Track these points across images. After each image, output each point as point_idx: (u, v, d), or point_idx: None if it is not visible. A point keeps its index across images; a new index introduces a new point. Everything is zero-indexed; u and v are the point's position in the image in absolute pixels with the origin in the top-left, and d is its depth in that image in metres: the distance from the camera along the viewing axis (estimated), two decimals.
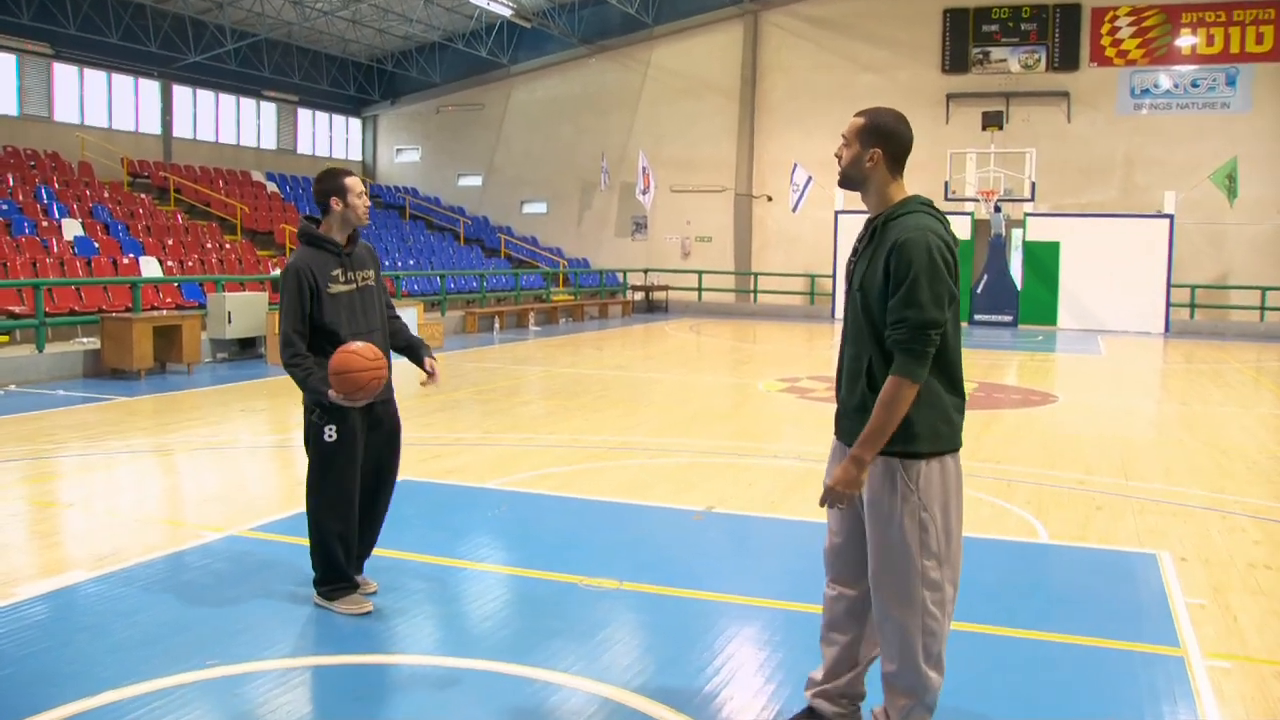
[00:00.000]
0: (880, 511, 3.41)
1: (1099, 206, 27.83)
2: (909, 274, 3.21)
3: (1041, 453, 9.35)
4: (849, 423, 3.46)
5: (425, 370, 5.09)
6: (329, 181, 4.85)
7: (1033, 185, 26.61)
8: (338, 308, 4.79)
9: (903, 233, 3.28)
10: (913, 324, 3.20)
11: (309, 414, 4.88)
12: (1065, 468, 8.69)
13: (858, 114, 3.47)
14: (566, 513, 7.07)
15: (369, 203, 4.89)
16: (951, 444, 3.41)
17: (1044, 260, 26.69)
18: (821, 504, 3.43)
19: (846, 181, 3.50)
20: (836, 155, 3.51)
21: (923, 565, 3.38)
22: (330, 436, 4.81)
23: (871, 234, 3.41)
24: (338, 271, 4.82)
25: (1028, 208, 27.14)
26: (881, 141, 3.40)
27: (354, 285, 4.86)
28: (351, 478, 4.90)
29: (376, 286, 5.01)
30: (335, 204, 4.83)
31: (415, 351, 5.13)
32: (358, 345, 4.70)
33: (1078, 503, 7.46)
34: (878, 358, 3.35)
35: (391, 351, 5.09)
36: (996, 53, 29.14)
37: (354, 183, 4.87)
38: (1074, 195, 28.32)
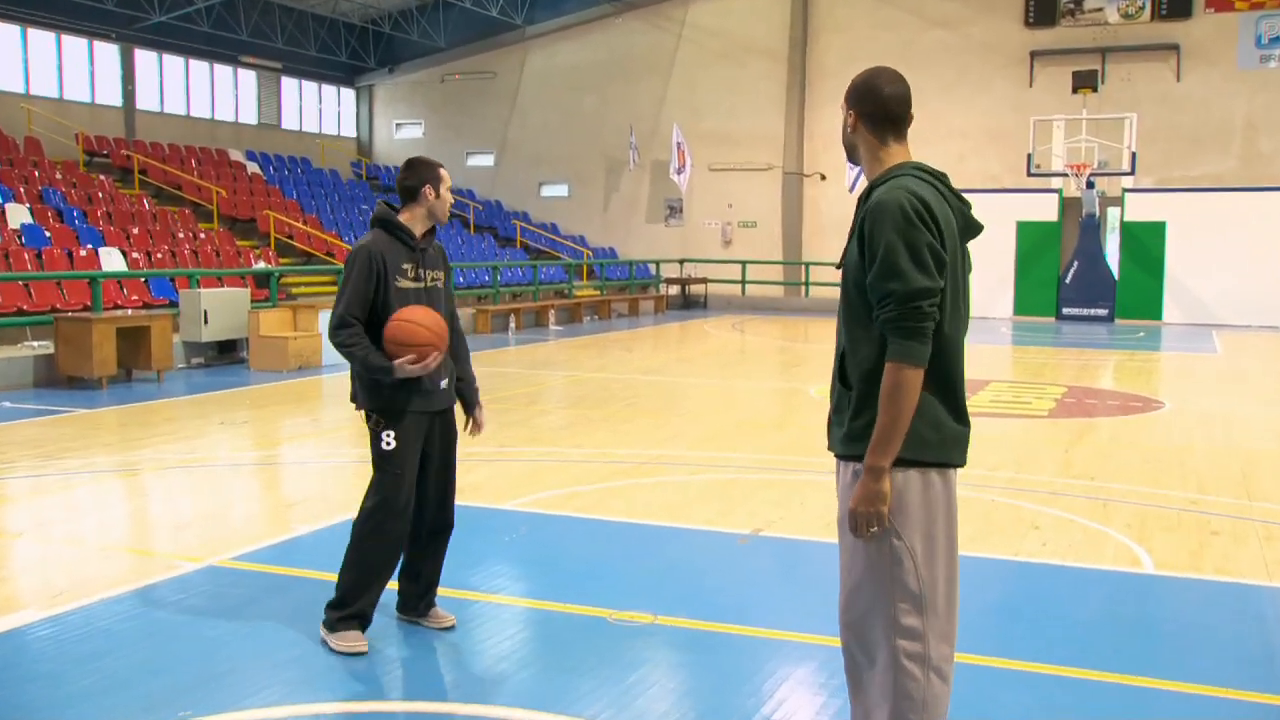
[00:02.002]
0: (846, 534, 3.34)
1: (1214, 180, 27.58)
2: (883, 241, 3.15)
3: (1145, 468, 9.27)
4: (831, 428, 3.43)
5: (472, 420, 5.39)
6: (424, 170, 5.11)
7: (1133, 156, 26.42)
8: (402, 304, 4.99)
9: (875, 196, 3.25)
10: (900, 296, 3.11)
11: (369, 420, 5.08)
12: (1173, 486, 8.61)
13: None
14: (594, 537, 7.09)
15: (452, 199, 5.21)
16: (940, 456, 3.26)
17: (1146, 244, 26.48)
18: (854, 532, 3.29)
19: (848, 153, 3.55)
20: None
21: (895, 608, 3.26)
22: (389, 444, 5.00)
23: (859, 206, 3.39)
24: (409, 266, 5.05)
25: (1127, 183, 26.94)
26: (856, 101, 3.42)
27: (423, 284, 5.09)
28: (408, 492, 5.05)
29: (445, 289, 5.23)
30: (429, 193, 5.08)
31: (464, 396, 5.36)
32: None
33: (1189, 526, 7.38)
34: (849, 345, 3.31)
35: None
36: (1090, 1, 28.93)
37: (448, 175, 5.16)
38: (1183, 167, 28.09)
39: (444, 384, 5.11)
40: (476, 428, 5.38)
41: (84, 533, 7.19)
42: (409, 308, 4.93)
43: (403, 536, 5.08)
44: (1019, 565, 6.46)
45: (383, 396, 4.99)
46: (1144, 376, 16.66)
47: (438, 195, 5.07)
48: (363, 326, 4.95)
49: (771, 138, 32.15)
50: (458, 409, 5.33)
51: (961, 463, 3.32)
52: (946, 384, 3.26)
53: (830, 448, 3.43)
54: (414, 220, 5.10)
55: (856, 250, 3.26)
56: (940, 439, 3.25)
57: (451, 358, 5.25)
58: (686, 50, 33.06)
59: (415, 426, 5.05)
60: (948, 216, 3.26)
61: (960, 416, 3.30)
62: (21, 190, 20.92)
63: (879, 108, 3.37)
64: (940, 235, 3.19)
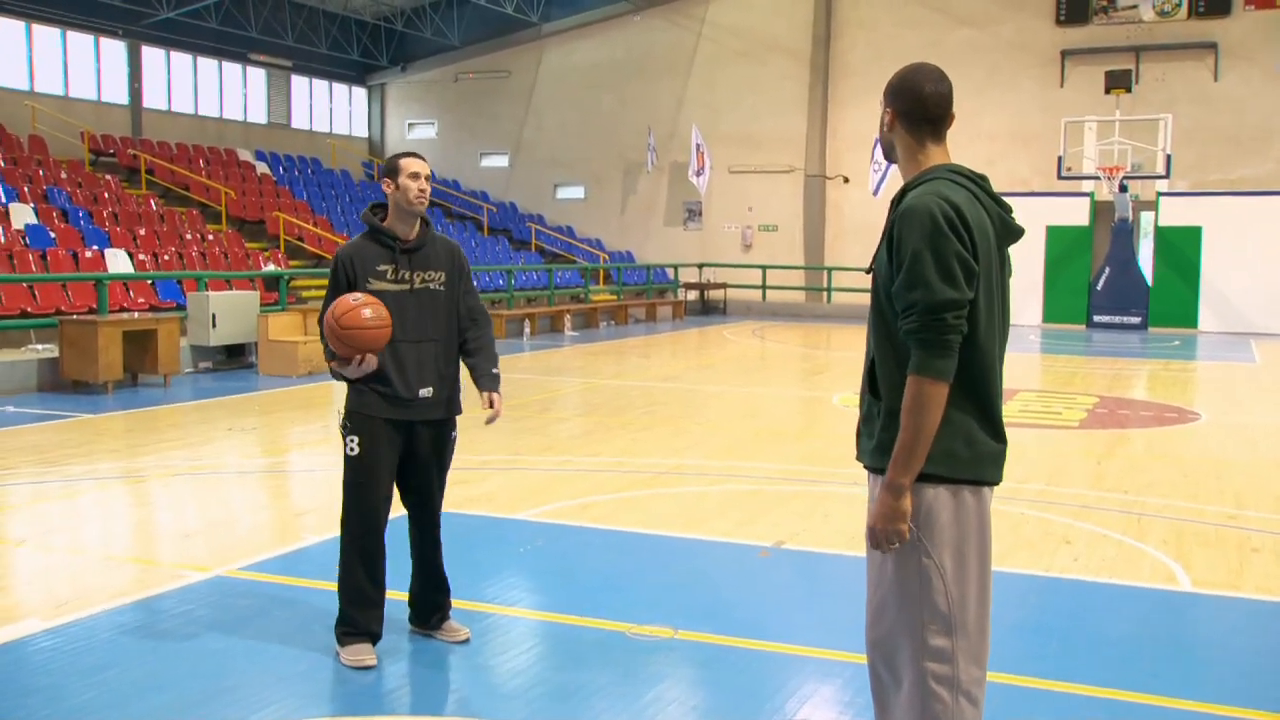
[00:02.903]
0: (873, 552, 3.31)
1: (1253, 183, 27.42)
2: (910, 248, 3.11)
3: (1181, 482, 9.22)
4: (860, 439, 3.40)
5: (487, 399, 5.17)
6: (387, 163, 5.11)
7: (1168, 159, 26.31)
8: None
9: (907, 201, 3.20)
10: (923, 307, 3.07)
11: (340, 424, 5.08)
12: (1211, 500, 8.55)
13: None
14: (611, 548, 7.08)
15: (425, 186, 5.05)
16: (973, 473, 3.21)
17: (1181, 249, 26.34)
18: (872, 546, 3.28)
19: (884, 150, 3.49)
20: None
21: (923, 628, 3.22)
22: (352, 449, 4.99)
23: (891, 209, 3.34)
24: (386, 267, 5.00)
25: (1161, 186, 26.82)
26: (894, 98, 3.34)
27: (407, 285, 5.02)
28: (373, 503, 5.02)
29: (449, 292, 5.13)
30: (386, 186, 5.06)
31: (479, 379, 5.19)
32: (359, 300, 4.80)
33: (1227, 542, 7.33)
34: (879, 355, 3.27)
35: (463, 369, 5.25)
36: None
37: (410, 162, 5.06)
38: (1220, 170, 27.95)
39: (425, 393, 5.00)
40: (491, 414, 5.11)
41: (87, 541, 7.21)
42: (339, 306, 4.80)
43: (375, 550, 5.05)
44: (1050, 581, 6.41)
45: (352, 399, 4.99)
46: (1179, 386, 16.56)
47: (396, 186, 5.00)
48: None
49: (793, 139, 32.12)
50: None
51: (996, 480, 3.27)
52: (980, 398, 3.21)
53: (859, 458, 3.40)
54: (394, 218, 5.06)
55: (886, 256, 3.22)
56: (973, 455, 3.20)
57: (470, 352, 5.18)
58: (706, 49, 33.07)
59: (386, 436, 4.98)
60: (983, 223, 3.20)
61: (996, 432, 3.25)
62: (26, 190, 21.02)
63: (917, 107, 3.31)
64: (972, 244, 3.14)
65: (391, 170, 5.02)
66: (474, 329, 5.22)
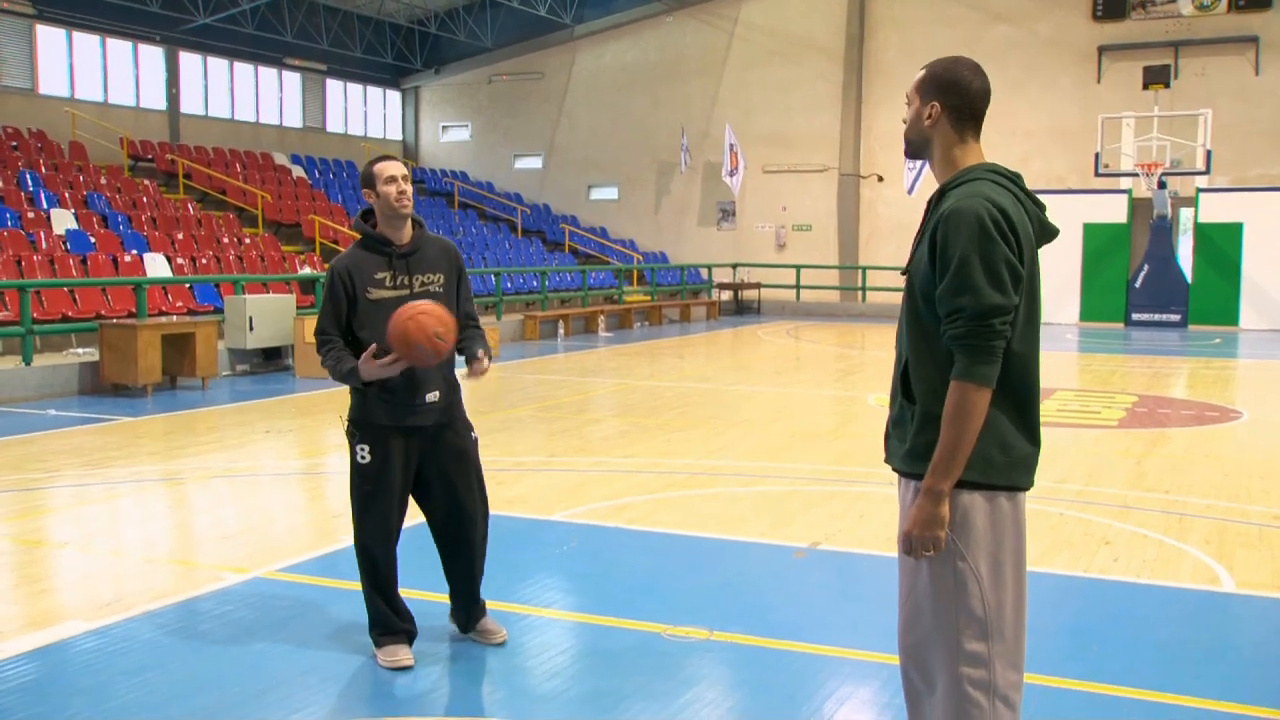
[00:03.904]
0: (906, 557, 3.28)
1: None
2: (957, 252, 3.05)
3: (1222, 481, 9.13)
4: (889, 441, 3.37)
5: (473, 365, 5.13)
6: (363, 173, 5.08)
7: (1208, 155, 26.04)
8: (378, 316, 4.89)
9: (951, 203, 3.14)
10: (970, 313, 3.03)
11: (346, 431, 5.04)
12: (1253, 500, 8.46)
13: (922, 67, 3.38)
14: (646, 549, 7.08)
15: (404, 187, 5.00)
16: (1008, 479, 3.18)
17: (1221, 246, 26.09)
18: (905, 553, 3.25)
19: (910, 147, 3.39)
20: (904, 120, 3.40)
21: (959, 633, 3.20)
22: (363, 457, 4.96)
23: (928, 209, 3.29)
24: (384, 275, 4.96)
25: (1201, 182, 26.58)
26: (939, 93, 3.26)
27: (406, 290, 4.97)
28: (387, 509, 5.00)
29: (448, 292, 5.10)
30: (368, 196, 5.02)
31: (468, 347, 5.16)
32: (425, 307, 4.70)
33: (1272, 543, 7.24)
34: (914, 358, 3.23)
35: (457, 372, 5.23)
36: None
37: (384, 167, 5.00)
38: (1261, 165, 27.67)
39: (431, 398, 4.95)
40: (476, 373, 5.08)
41: (128, 543, 7.28)
42: (415, 304, 4.70)
43: (390, 556, 5.04)
44: (1089, 582, 6.37)
45: (357, 407, 4.96)
46: (1220, 385, 16.39)
47: (376, 195, 4.96)
48: (341, 341, 4.95)
49: (827, 138, 32.04)
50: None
51: (1028, 485, 3.24)
52: (1018, 402, 3.18)
53: (888, 461, 3.39)
54: (383, 225, 5.01)
55: (927, 258, 3.18)
56: (1008, 461, 3.18)
57: (460, 351, 5.14)
58: (739, 49, 33.03)
59: (396, 443, 4.95)
60: (1026, 226, 3.17)
61: (1032, 435, 3.22)
62: (66, 195, 21.26)
63: (966, 102, 3.26)
64: (1019, 248, 3.11)
65: (368, 180, 4.99)
66: (475, 333, 5.21)
